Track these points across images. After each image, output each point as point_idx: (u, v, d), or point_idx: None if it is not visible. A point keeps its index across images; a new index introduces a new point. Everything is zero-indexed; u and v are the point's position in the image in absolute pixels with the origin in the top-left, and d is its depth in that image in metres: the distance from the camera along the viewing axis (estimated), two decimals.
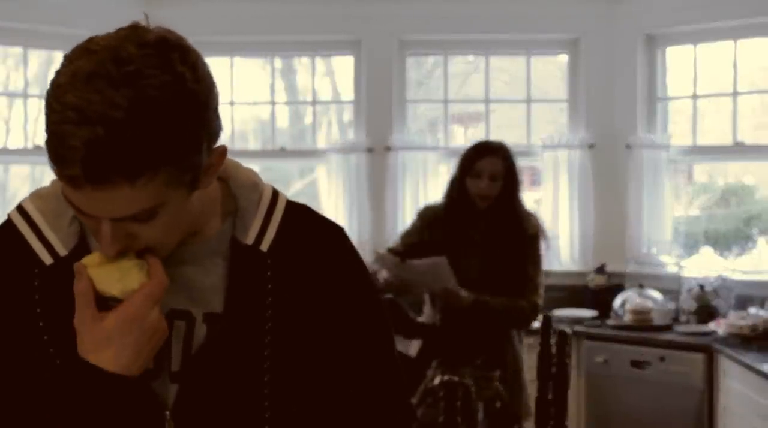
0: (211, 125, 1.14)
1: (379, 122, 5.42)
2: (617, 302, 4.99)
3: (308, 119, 5.88)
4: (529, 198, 4.11)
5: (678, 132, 5.40)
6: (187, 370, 1.23)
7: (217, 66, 5.32)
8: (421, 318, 3.57)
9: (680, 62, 5.40)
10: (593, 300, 5.17)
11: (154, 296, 1.17)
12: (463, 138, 6.04)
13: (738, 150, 5.16)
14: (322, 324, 1.29)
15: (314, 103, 5.77)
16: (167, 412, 1.22)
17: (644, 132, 5.32)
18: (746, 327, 4.33)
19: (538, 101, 5.70)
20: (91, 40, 1.11)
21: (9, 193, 5.53)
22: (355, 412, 1.35)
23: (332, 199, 5.38)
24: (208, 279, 1.26)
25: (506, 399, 3.31)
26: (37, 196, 1.30)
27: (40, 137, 5.47)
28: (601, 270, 5.25)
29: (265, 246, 1.28)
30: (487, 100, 5.59)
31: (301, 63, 5.87)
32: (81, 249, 1.25)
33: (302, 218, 1.33)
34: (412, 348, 3.43)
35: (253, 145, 5.92)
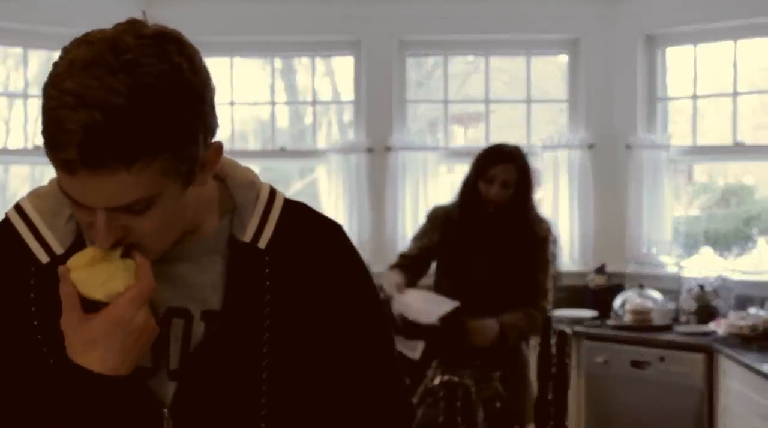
0: (208, 118, 1.14)
1: (379, 122, 5.42)
2: (617, 302, 4.99)
3: (308, 119, 5.88)
4: None
5: (678, 132, 5.40)
6: (186, 368, 1.23)
7: (217, 66, 5.32)
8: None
9: (680, 62, 5.40)
10: (593, 300, 5.17)
11: (140, 298, 1.17)
12: (463, 138, 6.05)
13: (738, 150, 5.16)
14: (320, 322, 1.29)
15: (314, 103, 5.77)
16: (165, 410, 1.22)
17: (644, 132, 5.32)
18: (746, 327, 4.33)
19: (538, 101, 5.70)
20: (88, 33, 1.13)
21: (9, 193, 5.53)
22: (353, 410, 1.35)
23: (332, 199, 5.38)
24: (206, 277, 1.26)
25: (506, 399, 3.31)
26: (35, 194, 1.31)
27: (40, 137, 5.47)
28: (601, 270, 5.25)
29: (262, 244, 1.28)
30: (487, 101, 5.59)
31: (301, 63, 5.87)
32: (78, 247, 1.24)
33: (300, 216, 1.34)
34: (417, 351, 3.43)
35: (253, 145, 5.92)
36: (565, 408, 3.42)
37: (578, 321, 4.95)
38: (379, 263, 4.48)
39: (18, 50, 5.23)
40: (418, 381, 3.30)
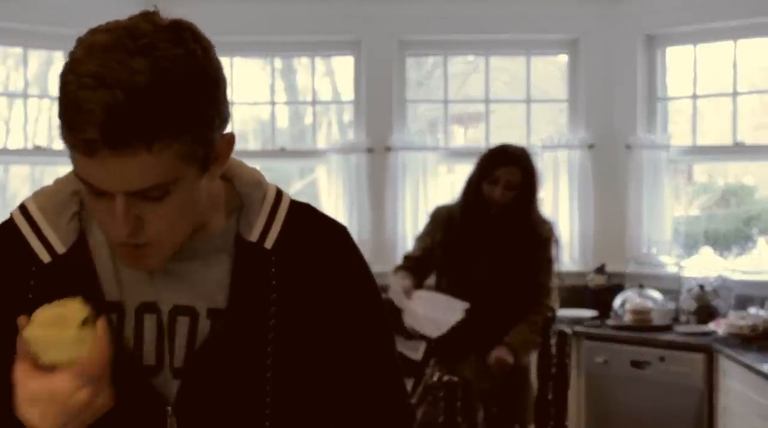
0: (221, 106, 1.15)
1: (379, 122, 5.42)
2: (617, 302, 4.99)
3: (308, 119, 5.88)
4: None
5: (678, 132, 5.40)
6: (190, 366, 1.24)
7: None
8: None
9: (680, 62, 5.40)
10: (593, 300, 5.17)
11: (84, 376, 1.14)
12: (463, 138, 6.05)
13: (738, 150, 5.16)
14: (323, 322, 1.30)
15: (314, 103, 5.77)
16: (169, 408, 1.23)
17: (644, 132, 5.32)
18: (746, 327, 4.33)
19: (538, 101, 5.70)
20: (104, 24, 1.14)
21: (9, 193, 5.53)
22: (355, 411, 1.35)
23: (332, 199, 5.38)
24: (212, 276, 1.26)
25: (504, 392, 3.31)
26: (40, 193, 1.31)
27: (41, 137, 5.47)
28: (601, 270, 5.25)
29: (269, 244, 1.28)
30: (487, 101, 5.59)
31: (301, 63, 5.87)
32: (80, 246, 1.25)
33: (306, 217, 1.34)
34: (419, 351, 3.43)
35: (253, 145, 5.92)
36: (565, 408, 3.42)
37: (578, 321, 4.95)
38: (379, 263, 4.48)
39: (18, 50, 5.23)
40: (419, 381, 3.30)
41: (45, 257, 1.25)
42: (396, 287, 3.43)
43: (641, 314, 4.82)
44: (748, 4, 4.93)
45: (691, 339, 4.54)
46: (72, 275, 1.24)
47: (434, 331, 3.38)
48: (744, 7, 4.94)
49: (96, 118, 1.06)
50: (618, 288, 5.14)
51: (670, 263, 5.21)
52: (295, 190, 6.00)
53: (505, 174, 3.45)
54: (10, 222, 1.29)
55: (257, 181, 1.32)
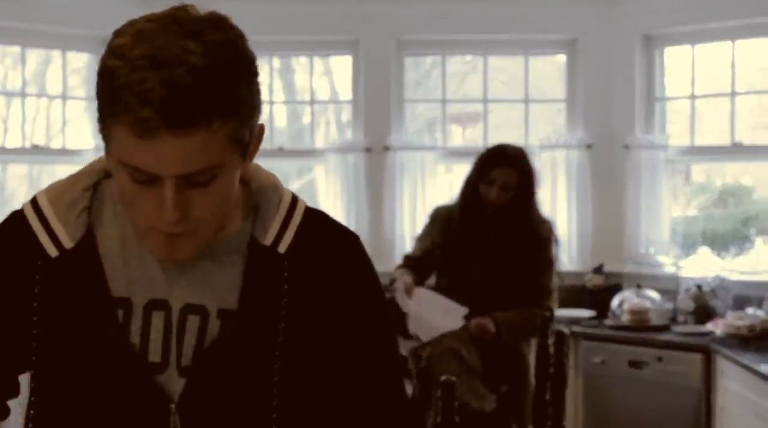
0: (259, 95, 1.18)
1: (377, 122, 5.42)
2: (615, 302, 4.99)
3: (306, 119, 5.88)
4: None
5: (676, 132, 5.40)
6: (198, 365, 1.24)
7: None
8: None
9: (678, 63, 5.40)
10: (591, 300, 5.17)
11: None
12: (461, 138, 6.05)
13: (736, 150, 5.16)
14: (331, 328, 1.30)
15: (312, 102, 5.77)
16: (172, 405, 1.23)
17: (642, 132, 5.32)
18: (744, 327, 4.33)
19: (536, 101, 5.70)
20: (139, 17, 1.15)
21: (7, 192, 5.52)
22: (357, 416, 1.36)
23: (330, 198, 5.38)
24: (225, 276, 1.27)
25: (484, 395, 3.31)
26: (51, 187, 1.31)
27: (38, 136, 5.47)
28: (598, 270, 5.25)
29: (282, 248, 1.29)
30: (485, 100, 5.59)
31: (299, 63, 5.87)
32: (87, 241, 1.26)
33: (319, 224, 1.35)
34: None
35: None
36: (562, 408, 3.42)
37: (576, 321, 4.95)
38: (377, 262, 4.43)
39: (16, 49, 5.22)
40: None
41: (52, 251, 1.25)
42: (398, 284, 3.43)
43: (639, 314, 4.82)
44: (746, 4, 4.93)
45: (689, 340, 4.55)
46: (78, 270, 1.24)
47: (425, 334, 3.39)
48: (742, 8, 4.94)
49: (156, 97, 1.07)
50: (616, 288, 5.14)
51: (667, 263, 5.21)
52: (292, 190, 5.98)
53: (501, 175, 3.46)
54: (21, 214, 1.29)
55: (274, 186, 1.33)
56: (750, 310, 4.51)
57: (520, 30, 5.47)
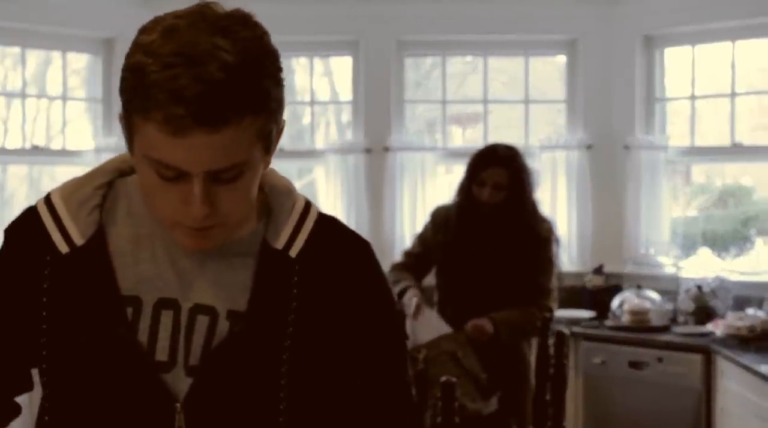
0: (284, 90, 1.19)
1: (377, 123, 5.42)
2: (615, 303, 4.99)
3: (306, 119, 5.88)
4: None
5: (676, 133, 5.40)
6: (205, 365, 1.24)
7: None
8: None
9: (678, 63, 5.40)
10: (591, 300, 5.17)
11: None
12: (462, 138, 6.05)
13: (736, 151, 5.16)
14: (340, 334, 1.31)
15: (312, 103, 5.77)
16: (177, 404, 1.23)
17: (642, 133, 5.32)
18: (744, 328, 4.33)
19: (536, 102, 5.70)
20: (165, 14, 1.15)
21: (7, 192, 5.52)
22: (366, 422, 1.37)
23: (330, 199, 5.38)
24: (236, 278, 1.27)
25: (483, 380, 3.31)
26: (66, 185, 1.32)
27: (38, 137, 5.47)
28: (598, 270, 5.25)
29: (293, 253, 1.29)
30: (485, 101, 5.59)
31: (299, 63, 5.87)
32: (98, 239, 1.26)
33: (332, 230, 1.36)
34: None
35: None
36: (562, 409, 3.42)
37: (576, 321, 4.95)
38: None
39: (16, 50, 5.22)
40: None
41: (63, 247, 1.26)
42: (408, 300, 3.45)
43: (639, 315, 4.82)
44: (746, 5, 4.93)
45: (689, 340, 4.54)
46: (88, 267, 1.25)
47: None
48: (742, 8, 4.94)
49: (188, 94, 1.07)
50: (616, 289, 5.14)
51: (668, 264, 5.21)
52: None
53: (492, 175, 3.47)
54: (33, 210, 1.30)
55: (288, 190, 1.35)
56: (750, 311, 4.51)
57: (520, 31, 5.47)
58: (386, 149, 5.37)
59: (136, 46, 1.12)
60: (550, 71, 5.97)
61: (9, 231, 1.32)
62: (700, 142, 5.34)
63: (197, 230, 1.19)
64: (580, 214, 5.35)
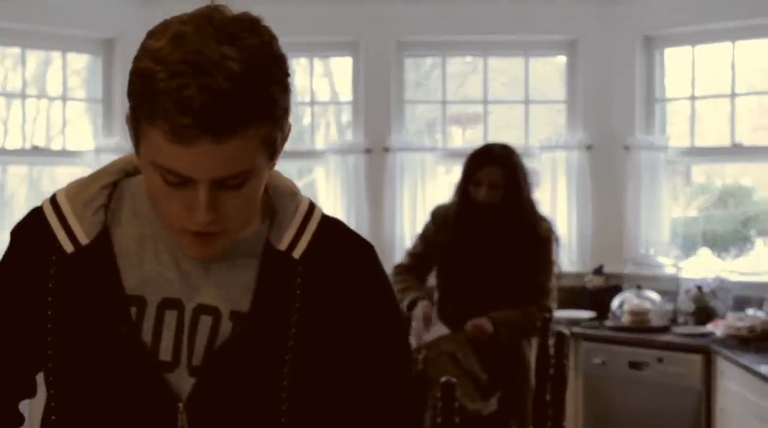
0: (290, 95, 1.18)
1: (377, 123, 5.42)
2: (615, 303, 4.99)
3: (306, 120, 5.88)
4: None
5: (676, 133, 5.40)
6: (208, 365, 1.25)
7: None
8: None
9: (678, 64, 5.40)
10: (591, 301, 5.17)
11: None
12: (461, 139, 6.05)
13: (736, 151, 5.17)
14: (343, 335, 1.31)
15: (312, 103, 5.77)
16: (180, 404, 1.23)
17: (642, 133, 5.32)
18: (744, 328, 4.33)
19: (537, 102, 5.70)
20: (173, 17, 1.15)
21: (7, 193, 5.52)
22: (366, 424, 1.37)
23: (330, 199, 5.38)
24: (239, 278, 1.28)
25: (483, 379, 3.31)
26: (71, 185, 1.33)
27: (38, 137, 5.47)
28: (598, 271, 5.25)
29: (297, 254, 1.29)
30: (485, 101, 5.59)
31: (299, 64, 5.86)
32: (103, 238, 1.27)
33: (335, 232, 1.36)
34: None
35: None
36: (562, 409, 3.42)
37: (576, 322, 4.95)
38: None
39: (16, 50, 5.22)
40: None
41: (68, 247, 1.26)
42: (418, 312, 3.46)
43: (639, 315, 4.82)
44: (746, 5, 4.93)
45: (689, 341, 4.54)
46: (92, 266, 1.26)
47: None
48: (742, 9, 4.94)
49: (195, 105, 1.07)
50: (616, 289, 5.14)
51: (668, 264, 5.21)
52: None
53: (488, 174, 3.47)
54: (39, 211, 1.31)
55: (292, 192, 1.35)
56: (750, 311, 4.51)
57: (520, 31, 5.47)
58: (386, 149, 5.37)
59: (144, 51, 1.13)
60: (550, 71, 5.97)
61: (15, 231, 1.32)
62: (700, 143, 5.35)
63: (201, 236, 1.19)
64: (580, 214, 5.35)
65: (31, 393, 1.37)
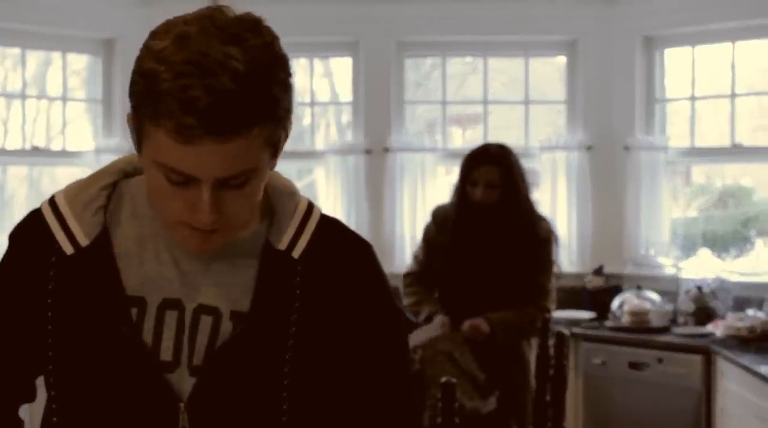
0: (293, 95, 1.19)
1: (377, 123, 5.42)
2: (615, 303, 4.99)
3: (306, 120, 5.88)
4: None
5: (676, 133, 5.40)
6: (208, 365, 1.25)
7: None
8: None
9: (678, 64, 5.40)
10: (591, 301, 5.17)
11: None
12: (461, 139, 6.05)
13: (736, 151, 5.17)
14: (342, 334, 1.31)
15: (312, 104, 5.77)
16: (181, 404, 1.24)
17: (642, 133, 5.32)
18: (744, 328, 4.33)
19: (537, 103, 5.70)
20: (176, 17, 1.15)
21: (7, 193, 5.52)
22: (364, 423, 1.37)
23: (330, 200, 5.38)
24: (239, 278, 1.28)
25: (480, 378, 3.31)
26: (70, 186, 1.33)
27: (38, 138, 5.47)
28: (598, 271, 5.25)
29: (296, 254, 1.30)
30: (485, 102, 5.59)
31: (299, 64, 5.86)
32: (103, 239, 1.27)
33: (334, 231, 1.36)
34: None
35: None
36: (562, 410, 3.43)
37: (576, 322, 4.95)
38: None
39: (16, 51, 5.22)
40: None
41: (68, 248, 1.26)
42: (437, 323, 3.46)
43: (639, 315, 4.82)
44: (746, 5, 4.94)
45: (689, 341, 4.54)
46: (93, 267, 1.26)
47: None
48: (742, 9, 4.94)
49: (200, 105, 1.08)
50: (616, 290, 5.14)
51: (668, 264, 5.21)
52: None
53: (484, 174, 3.48)
54: (38, 212, 1.31)
55: (291, 192, 1.35)
56: (750, 312, 4.51)
57: (520, 31, 5.47)
58: (386, 150, 5.37)
59: (147, 51, 1.13)
60: (550, 72, 5.97)
61: (13, 234, 1.32)
62: (700, 143, 5.35)
63: (199, 232, 1.19)
64: (580, 214, 5.35)
65: (31, 397, 1.37)
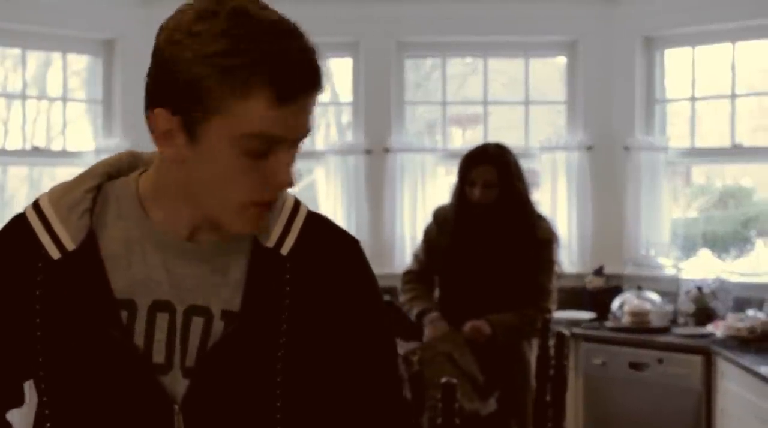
0: None
1: (377, 124, 5.42)
2: (615, 304, 4.99)
3: None
4: None
5: (676, 134, 5.40)
6: (201, 366, 1.25)
7: None
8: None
9: (678, 64, 5.40)
10: (591, 302, 5.17)
11: None
12: (462, 140, 6.05)
13: (736, 152, 5.17)
14: (332, 330, 1.32)
15: None
16: (176, 406, 1.23)
17: (642, 134, 5.32)
18: (744, 329, 4.33)
19: (537, 103, 5.70)
20: (200, 6, 1.18)
21: (7, 194, 5.52)
22: (357, 419, 1.37)
23: (330, 200, 5.38)
24: (229, 277, 1.28)
25: (479, 379, 3.31)
26: (54, 190, 1.31)
27: (39, 138, 5.47)
28: (599, 272, 5.25)
29: (285, 251, 1.30)
30: (485, 102, 5.59)
31: None
32: (89, 243, 1.26)
33: (321, 227, 1.37)
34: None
35: None
36: (563, 410, 3.43)
37: (576, 322, 4.95)
38: (377, 264, 4.45)
39: (16, 51, 5.22)
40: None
41: (55, 253, 1.25)
42: (428, 331, 3.47)
43: (639, 316, 4.82)
44: (746, 6, 4.94)
45: (690, 341, 4.54)
46: (80, 271, 1.24)
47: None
48: (742, 9, 4.94)
49: (300, 61, 1.16)
50: (616, 290, 5.14)
51: (668, 265, 5.21)
52: (292, 192, 5.98)
53: (482, 173, 3.48)
54: (22, 217, 1.29)
55: None
56: (750, 312, 4.51)
57: (520, 32, 5.47)
58: (386, 150, 5.37)
59: (200, 38, 1.13)
60: (550, 72, 5.97)
61: None
62: (700, 144, 5.35)
63: (263, 207, 1.22)
64: (580, 215, 5.35)
65: (19, 402, 1.36)
